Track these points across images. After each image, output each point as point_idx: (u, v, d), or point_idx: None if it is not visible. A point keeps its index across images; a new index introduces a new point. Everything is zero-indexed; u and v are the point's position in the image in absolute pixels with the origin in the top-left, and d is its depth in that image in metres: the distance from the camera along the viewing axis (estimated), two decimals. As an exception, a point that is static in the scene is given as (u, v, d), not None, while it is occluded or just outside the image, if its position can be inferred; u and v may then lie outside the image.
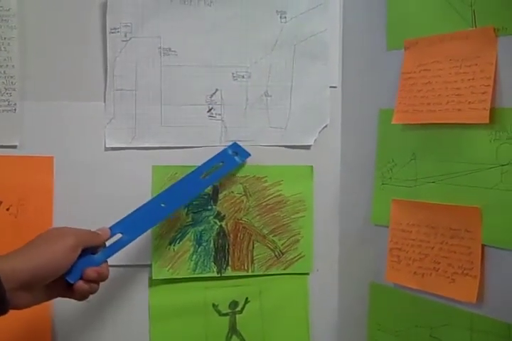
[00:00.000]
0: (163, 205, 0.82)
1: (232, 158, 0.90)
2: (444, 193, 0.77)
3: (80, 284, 0.71)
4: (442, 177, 0.77)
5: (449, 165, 0.76)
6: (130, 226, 0.79)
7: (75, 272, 0.71)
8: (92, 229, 0.76)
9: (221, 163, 0.88)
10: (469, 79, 0.73)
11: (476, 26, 0.73)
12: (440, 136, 0.77)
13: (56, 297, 0.72)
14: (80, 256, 0.71)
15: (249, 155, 0.91)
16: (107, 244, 0.77)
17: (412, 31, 0.81)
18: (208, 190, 0.91)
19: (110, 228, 0.77)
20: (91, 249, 0.74)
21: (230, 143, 0.90)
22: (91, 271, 0.71)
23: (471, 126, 0.73)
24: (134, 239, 0.79)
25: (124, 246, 0.78)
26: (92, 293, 0.73)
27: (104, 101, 0.87)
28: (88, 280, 0.71)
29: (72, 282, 0.71)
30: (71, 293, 0.72)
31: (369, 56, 0.89)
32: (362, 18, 0.90)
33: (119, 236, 0.78)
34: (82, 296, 0.73)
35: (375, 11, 0.87)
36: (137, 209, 0.81)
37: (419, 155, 0.81)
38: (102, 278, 0.73)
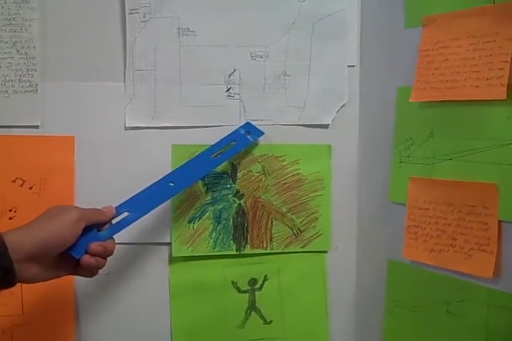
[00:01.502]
0: (171, 184, 0.83)
1: (245, 136, 0.90)
2: (461, 170, 0.77)
3: (86, 258, 0.72)
4: (459, 155, 0.77)
5: (467, 142, 0.76)
6: (137, 204, 0.79)
7: (80, 247, 0.72)
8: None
9: (233, 142, 0.89)
10: (487, 56, 0.72)
11: (494, 2, 0.72)
12: (458, 113, 0.77)
13: (65, 274, 0.73)
14: (85, 233, 0.72)
15: (263, 133, 0.91)
16: (114, 222, 0.78)
17: (430, 8, 0.80)
18: (227, 168, 0.91)
19: (117, 207, 0.78)
20: (96, 227, 0.75)
21: (244, 122, 0.91)
22: (95, 245, 0.72)
23: (489, 102, 0.72)
24: (139, 217, 0.79)
25: (129, 223, 0.78)
26: (98, 267, 0.74)
27: (124, 82, 0.88)
28: (93, 255, 0.72)
29: (77, 257, 0.72)
30: (79, 269, 0.73)
31: (387, 34, 0.88)
32: (379, -4, 0.90)
33: (125, 214, 0.78)
34: (89, 271, 0.74)
35: (392, -11, 0.86)
36: (145, 189, 0.81)
37: (436, 132, 0.80)
38: (107, 252, 0.74)
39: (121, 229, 0.77)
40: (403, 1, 0.85)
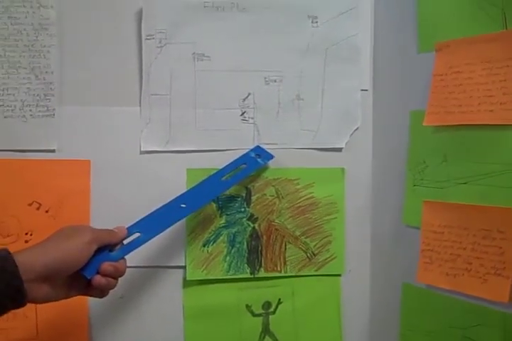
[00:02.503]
0: (183, 205, 0.82)
1: (255, 160, 0.90)
2: (475, 194, 0.77)
3: (98, 278, 0.72)
4: (474, 179, 0.77)
5: (481, 166, 0.76)
6: (148, 225, 0.79)
7: (92, 267, 0.72)
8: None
9: (244, 165, 0.89)
10: (501, 81, 0.73)
11: (506, 28, 0.73)
12: (471, 137, 0.77)
13: (76, 294, 0.73)
14: (97, 253, 0.72)
15: (273, 157, 0.91)
16: (125, 242, 0.78)
17: (442, 34, 0.81)
18: (241, 192, 0.92)
19: (128, 227, 0.78)
20: (108, 247, 0.75)
21: (255, 146, 0.91)
22: (107, 265, 0.72)
23: (503, 126, 0.72)
24: (151, 238, 0.79)
25: (141, 244, 0.78)
26: (110, 288, 0.74)
27: (140, 106, 0.89)
28: (105, 275, 0.72)
29: (88, 277, 0.72)
30: (90, 289, 0.73)
31: (400, 59, 0.89)
32: (393, 22, 0.91)
33: (137, 235, 0.78)
34: (100, 292, 0.74)
35: (405, 14, 0.87)
36: (156, 210, 0.81)
37: (450, 156, 0.81)
38: (118, 272, 0.74)
39: (132, 250, 0.77)
40: (416, 26, 0.85)
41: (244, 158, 0.90)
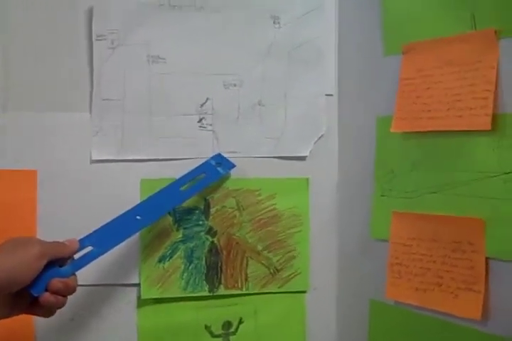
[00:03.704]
0: (138, 218, 0.82)
1: (215, 169, 0.89)
2: (445, 204, 0.77)
3: (46, 296, 0.69)
4: (444, 188, 0.77)
5: (451, 175, 0.76)
6: (101, 238, 0.78)
7: (40, 284, 0.70)
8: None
9: (203, 175, 0.88)
10: (470, 85, 0.73)
11: (476, 29, 0.73)
12: (441, 144, 0.77)
13: (21, 313, 0.71)
14: (46, 268, 0.70)
15: (234, 166, 0.91)
16: (76, 257, 0.76)
17: (409, 35, 0.81)
18: (199, 204, 0.91)
19: (80, 240, 0.77)
20: (58, 262, 0.73)
21: (215, 153, 0.91)
22: (56, 282, 0.70)
23: (473, 133, 0.73)
24: (104, 252, 0.78)
25: (93, 259, 0.76)
26: (58, 306, 0.71)
27: (90, 112, 0.88)
28: (54, 292, 0.70)
29: (36, 294, 0.70)
30: (37, 308, 0.71)
31: (366, 62, 0.89)
32: (358, 23, 0.91)
33: (89, 248, 0.77)
34: (47, 311, 0.72)
35: (371, 16, 0.87)
36: (110, 222, 0.80)
37: (419, 164, 0.81)
38: (68, 289, 0.71)
39: (84, 265, 0.75)
40: (381, 27, 0.86)
41: (204, 167, 0.89)
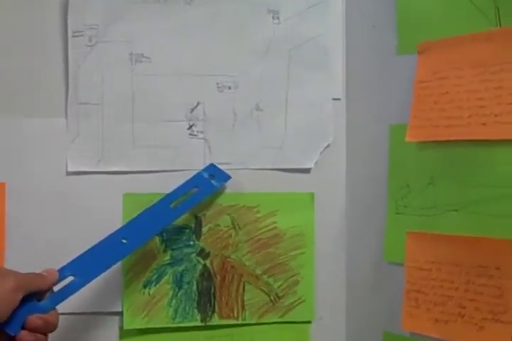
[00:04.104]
0: (124, 241, 0.82)
1: (209, 181, 0.89)
2: (468, 224, 0.77)
3: (24, 335, 0.70)
4: (466, 205, 0.77)
5: (474, 190, 0.76)
6: (83, 267, 0.78)
7: (16, 321, 0.70)
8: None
9: (195, 189, 0.88)
10: (495, 88, 0.73)
11: (500, 25, 0.73)
12: (462, 156, 0.77)
13: None
14: (23, 303, 0.70)
15: (230, 177, 0.91)
16: (56, 288, 0.76)
17: (426, 33, 0.81)
18: (190, 222, 0.91)
19: (59, 270, 0.77)
20: (36, 296, 0.73)
21: (208, 164, 0.91)
22: (35, 318, 0.71)
23: (498, 142, 0.72)
24: (87, 283, 0.78)
25: (75, 290, 0.77)
26: None
27: (66, 118, 0.88)
28: (32, 330, 0.70)
29: (12, 334, 0.70)
30: None
31: (377, 63, 0.89)
32: (368, 19, 0.91)
33: (70, 279, 0.77)
34: None
35: (382, 10, 0.87)
36: (93, 247, 0.80)
37: (438, 178, 0.80)
38: (48, 327, 0.72)
39: (65, 298, 0.76)
40: (395, 24, 0.86)
41: (196, 180, 0.89)
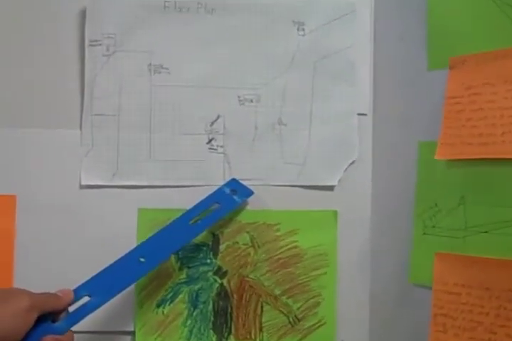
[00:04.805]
0: (142, 260, 0.82)
1: (230, 197, 0.89)
2: (500, 246, 0.76)
3: None
4: (497, 226, 0.77)
5: (506, 211, 0.76)
6: (99, 287, 0.79)
7: None
8: (59, 288, 0.77)
9: (216, 205, 0.88)
10: (529, 105, 0.73)
11: (537, 41, 0.73)
12: (494, 175, 0.77)
13: None
14: (37, 323, 0.71)
15: (252, 193, 0.91)
16: (71, 309, 0.77)
17: (458, 47, 0.81)
18: (207, 239, 0.91)
19: (75, 290, 0.77)
20: (51, 316, 0.74)
21: (230, 179, 0.91)
22: (50, 339, 0.71)
23: None
24: (103, 303, 0.78)
25: (91, 311, 0.77)
26: None
27: (81, 129, 0.89)
28: None
29: None
30: None
31: (406, 77, 0.89)
32: (396, 31, 0.91)
33: (86, 299, 0.78)
34: None
35: (412, 23, 0.87)
36: (109, 266, 0.81)
37: (468, 198, 0.80)
38: None
39: (80, 319, 0.76)
40: (425, 37, 0.86)
41: (217, 196, 0.89)
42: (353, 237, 0.94)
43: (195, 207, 0.88)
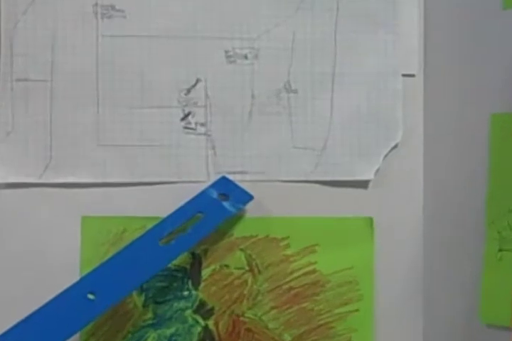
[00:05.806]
0: (91, 297, 0.72)
1: (219, 204, 0.78)
2: None
3: None
4: None
5: None
6: (32, 335, 0.71)
7: None
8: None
9: (199, 215, 0.77)
10: None
11: None
12: None
13: None
14: None
15: (251, 198, 0.79)
16: None
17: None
18: (184, 262, 0.80)
19: None
20: None
21: (218, 177, 0.80)
22: None
23: None
24: None
25: None
26: None
27: (-4, 101, 0.80)
28: None
29: None
30: None
31: (470, 21, 0.77)
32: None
33: None
34: None
35: None
36: (42, 307, 0.71)
37: None
38: None
39: None
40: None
41: (200, 202, 0.78)
42: (397, 256, 0.82)
43: (167, 219, 0.76)
